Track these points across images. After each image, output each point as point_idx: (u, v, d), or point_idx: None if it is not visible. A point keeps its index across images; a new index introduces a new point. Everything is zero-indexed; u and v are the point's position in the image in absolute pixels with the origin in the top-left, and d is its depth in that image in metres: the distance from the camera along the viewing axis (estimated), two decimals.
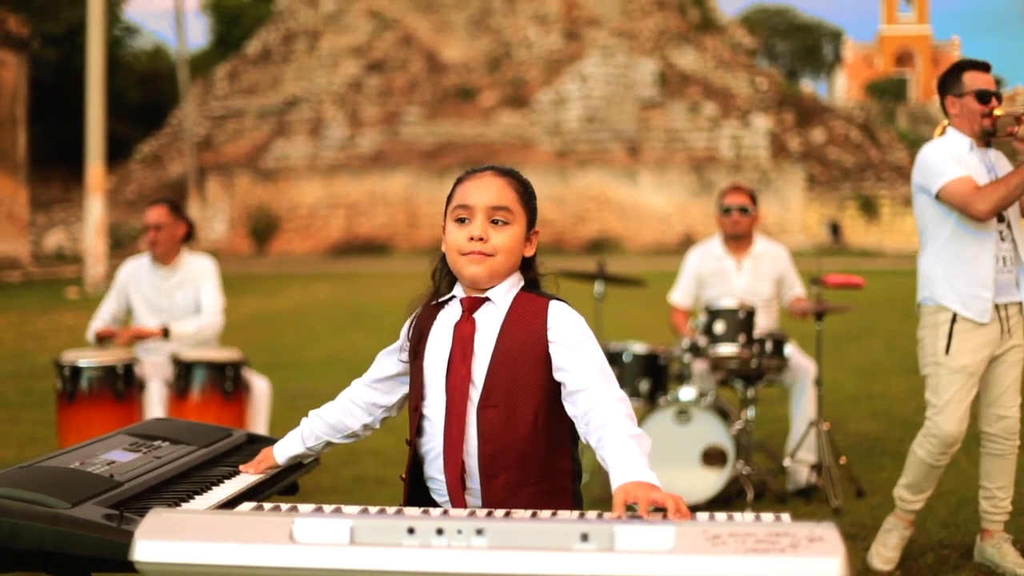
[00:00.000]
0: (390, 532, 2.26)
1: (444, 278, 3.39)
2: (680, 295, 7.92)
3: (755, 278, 7.73)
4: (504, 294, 3.27)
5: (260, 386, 7.26)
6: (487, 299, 3.27)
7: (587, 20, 48.74)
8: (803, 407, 7.45)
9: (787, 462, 7.35)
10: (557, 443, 3.25)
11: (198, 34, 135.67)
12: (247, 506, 2.78)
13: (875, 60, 78.30)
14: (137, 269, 7.47)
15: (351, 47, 49.09)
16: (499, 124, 45.55)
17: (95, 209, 26.84)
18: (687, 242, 40.20)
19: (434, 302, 3.39)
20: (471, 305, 3.28)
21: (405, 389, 3.48)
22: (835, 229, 40.52)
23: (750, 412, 7.44)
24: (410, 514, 2.54)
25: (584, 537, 2.23)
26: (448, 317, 3.33)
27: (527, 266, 3.35)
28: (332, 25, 50.11)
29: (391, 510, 2.63)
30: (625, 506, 2.64)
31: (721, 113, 44.49)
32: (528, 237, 3.31)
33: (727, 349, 7.14)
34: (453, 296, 3.35)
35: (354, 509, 2.65)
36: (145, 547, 2.26)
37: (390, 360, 3.49)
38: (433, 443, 3.27)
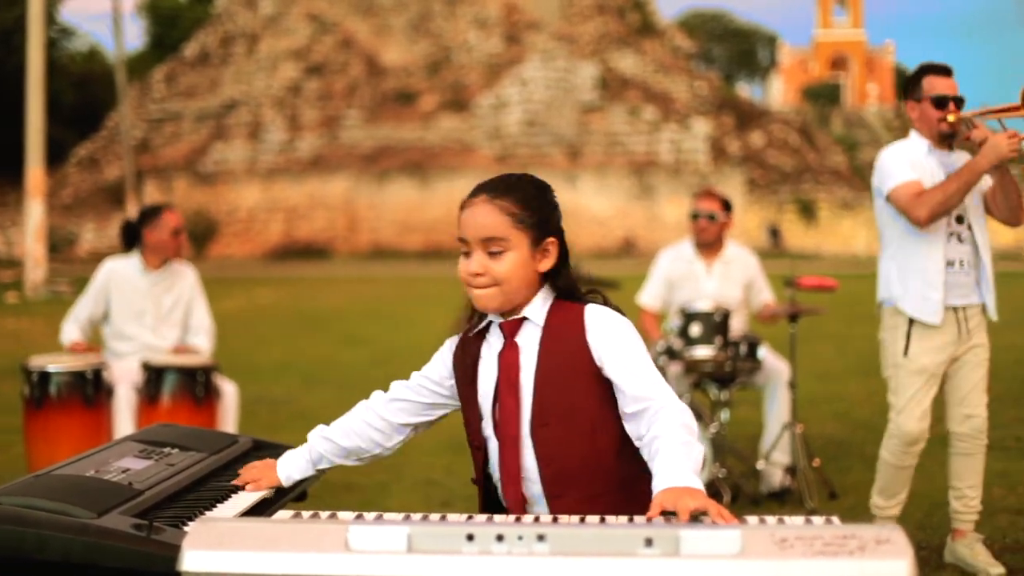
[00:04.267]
0: (449, 539, 2.22)
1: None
2: (650, 297, 7.91)
3: (725, 282, 7.75)
4: (539, 309, 3.18)
5: (229, 391, 7.18)
6: (525, 318, 3.19)
7: (527, 24, 48.76)
8: (776, 409, 7.47)
9: (761, 464, 7.36)
10: (623, 448, 3.15)
11: (134, 36, 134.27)
12: (285, 514, 2.72)
13: (810, 65, 78.88)
14: (122, 270, 7.37)
15: (290, 50, 48.86)
16: (439, 128, 45.47)
17: (35, 213, 26.50)
18: (627, 246, 40.34)
19: (473, 332, 3.29)
20: (511, 329, 3.20)
21: (439, 412, 3.43)
22: (775, 233, 40.79)
23: (724, 415, 7.45)
24: (468, 520, 2.50)
25: (648, 542, 2.19)
26: (491, 346, 3.24)
27: (556, 275, 3.21)
28: (271, 28, 49.85)
29: (451, 517, 2.58)
30: (662, 511, 2.60)
31: (661, 117, 44.65)
32: (537, 252, 3.16)
33: (703, 352, 7.14)
34: (491, 322, 3.26)
35: (398, 516, 2.60)
36: (194, 557, 2.20)
37: (424, 388, 3.41)
38: (498, 475, 3.23)
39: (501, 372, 3.19)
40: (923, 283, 5.72)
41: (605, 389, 3.11)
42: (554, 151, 44.23)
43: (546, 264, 3.18)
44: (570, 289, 3.23)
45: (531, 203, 3.17)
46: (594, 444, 3.12)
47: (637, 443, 3.03)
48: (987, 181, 5.75)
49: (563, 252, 3.22)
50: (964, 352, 5.77)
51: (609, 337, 3.11)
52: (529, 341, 3.17)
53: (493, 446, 3.21)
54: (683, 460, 2.77)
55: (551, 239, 3.18)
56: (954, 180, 5.53)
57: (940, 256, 5.68)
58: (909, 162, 5.73)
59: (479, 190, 3.18)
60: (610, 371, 3.08)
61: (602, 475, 3.12)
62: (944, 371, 5.78)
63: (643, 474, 3.13)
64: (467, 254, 3.14)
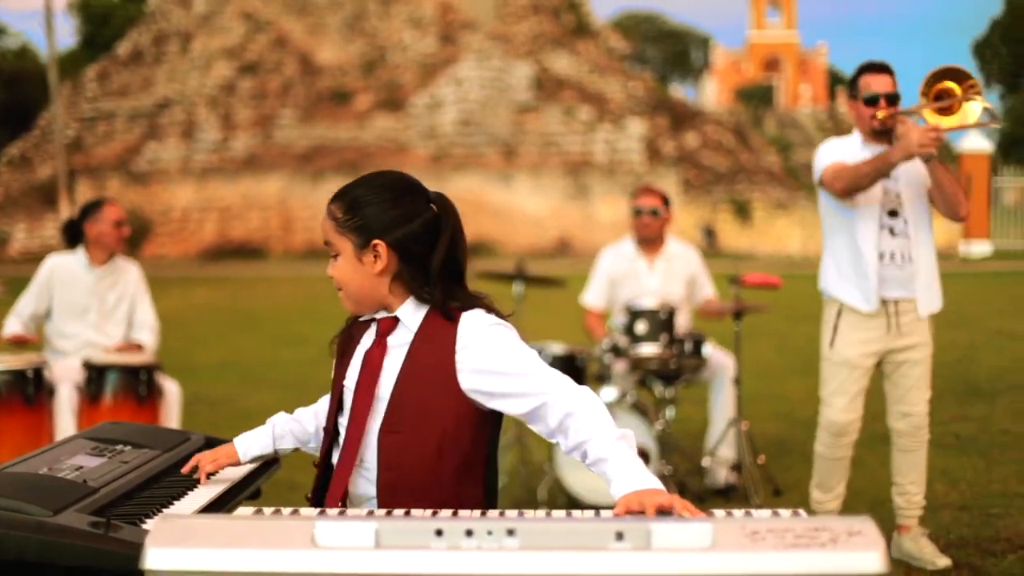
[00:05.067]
0: (417, 534, 2.19)
1: None
2: (594, 297, 7.91)
3: (667, 279, 7.75)
4: (412, 313, 3.15)
5: (172, 390, 7.11)
6: (397, 319, 3.16)
7: (462, 23, 48.64)
8: (721, 406, 7.50)
9: (706, 461, 7.38)
10: (466, 470, 3.13)
11: (65, 34, 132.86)
12: (247, 511, 2.68)
13: (743, 66, 79.23)
14: (66, 266, 7.28)
15: (224, 49, 48.45)
16: (374, 127, 45.25)
17: None
18: (562, 246, 40.36)
19: (362, 319, 3.28)
20: (385, 328, 3.18)
21: None
22: (709, 233, 40.91)
23: (669, 412, 7.46)
24: (435, 515, 2.47)
25: (619, 536, 2.17)
26: (369, 339, 3.23)
27: (421, 280, 3.15)
28: (205, 27, 49.41)
29: (416, 512, 2.56)
30: (627, 511, 2.59)
31: (596, 117, 44.66)
32: (364, 256, 3.13)
33: (649, 349, 7.15)
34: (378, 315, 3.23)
35: (362, 512, 2.58)
36: (157, 555, 2.14)
37: None
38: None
39: (363, 368, 3.17)
40: (856, 272, 5.83)
41: (464, 408, 3.07)
42: (489, 151, 44.17)
43: (379, 267, 3.12)
44: (416, 290, 3.16)
45: (357, 206, 3.15)
46: (438, 461, 3.07)
47: (550, 439, 3.01)
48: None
49: (410, 253, 3.14)
50: (902, 349, 5.83)
51: (481, 351, 3.05)
52: (399, 343, 3.15)
53: (342, 436, 3.18)
54: (632, 459, 2.77)
55: (377, 241, 3.12)
56: (867, 164, 5.68)
57: (872, 246, 5.79)
58: (840, 153, 5.90)
59: None
60: (494, 386, 3.03)
61: (438, 494, 3.06)
62: (871, 364, 5.89)
63: (482, 500, 3.16)
64: None
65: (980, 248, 36.82)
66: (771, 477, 7.36)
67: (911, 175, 5.74)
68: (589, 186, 41.94)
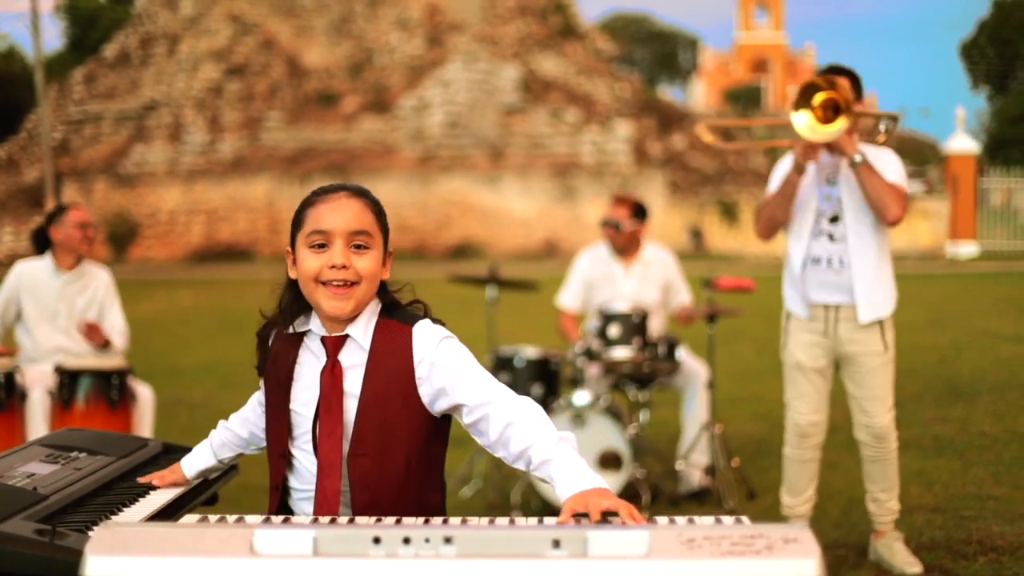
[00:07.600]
0: (355, 542, 2.19)
1: (296, 307, 3.18)
2: (569, 298, 7.92)
3: (643, 283, 7.77)
4: (365, 328, 3.09)
5: (145, 395, 7.09)
6: (348, 336, 3.09)
7: (449, 25, 48.62)
8: (695, 410, 7.50)
9: (680, 465, 7.38)
10: (429, 478, 3.13)
11: (52, 36, 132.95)
12: (192, 518, 2.68)
13: (731, 67, 79.34)
14: (34, 272, 7.26)
15: (211, 51, 48.40)
16: (361, 130, 45.22)
17: None
18: (549, 248, 40.36)
19: (288, 332, 3.19)
20: (334, 347, 3.09)
21: None
22: (696, 234, 40.93)
23: (643, 416, 7.47)
24: (376, 523, 2.47)
25: (556, 543, 2.17)
26: (312, 358, 3.13)
27: (382, 288, 3.16)
28: (192, 29, 49.36)
29: (359, 520, 2.55)
30: (574, 514, 2.59)
31: (583, 119, 44.67)
32: (385, 259, 3.13)
33: (622, 353, 7.16)
34: (310, 330, 3.15)
35: (305, 519, 2.58)
36: (97, 563, 2.13)
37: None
38: (304, 486, 3.12)
39: (324, 393, 3.08)
40: (790, 278, 5.95)
41: (425, 419, 3.07)
42: (476, 153, 44.16)
43: (387, 274, 3.14)
44: (394, 303, 3.18)
45: (383, 211, 3.15)
46: (407, 475, 3.06)
47: (495, 454, 2.99)
48: None
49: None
50: (852, 357, 5.82)
51: (437, 360, 3.04)
52: (353, 361, 3.09)
53: (305, 461, 3.12)
54: (575, 460, 2.76)
55: (390, 252, 3.16)
56: (777, 193, 5.83)
57: (801, 252, 5.85)
58: (784, 169, 5.96)
59: (334, 189, 3.10)
60: (442, 390, 3.03)
61: (407, 504, 3.05)
62: (823, 366, 5.92)
63: (440, 503, 3.18)
64: (320, 247, 3.03)
65: (967, 249, 36.88)
66: (745, 480, 7.37)
67: (852, 181, 5.71)
68: (576, 188, 41.94)
